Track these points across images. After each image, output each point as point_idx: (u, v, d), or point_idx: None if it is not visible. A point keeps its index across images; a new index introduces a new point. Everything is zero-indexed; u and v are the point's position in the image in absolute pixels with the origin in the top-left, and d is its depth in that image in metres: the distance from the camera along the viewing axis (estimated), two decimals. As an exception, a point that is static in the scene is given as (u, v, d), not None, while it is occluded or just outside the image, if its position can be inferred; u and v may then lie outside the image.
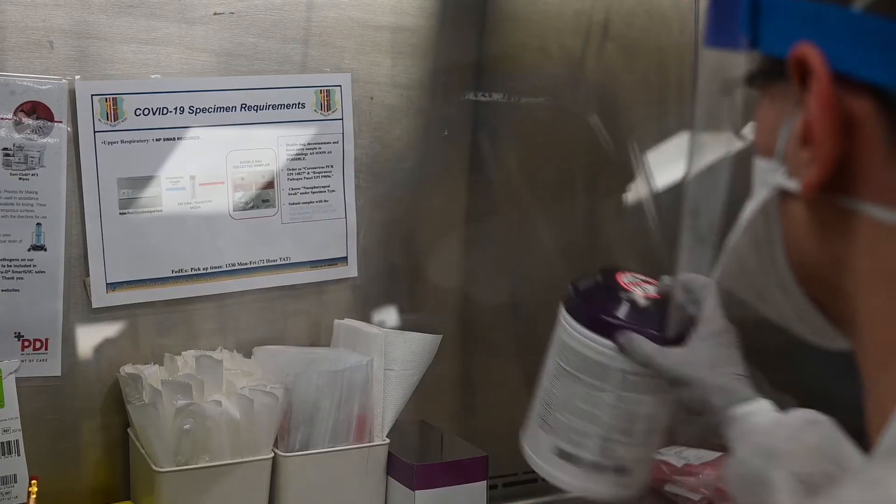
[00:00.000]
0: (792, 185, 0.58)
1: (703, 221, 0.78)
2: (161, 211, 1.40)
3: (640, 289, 1.11)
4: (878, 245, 0.55)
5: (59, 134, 1.33)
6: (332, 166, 1.49)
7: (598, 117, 1.65)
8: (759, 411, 0.98)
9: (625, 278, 1.12)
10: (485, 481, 1.40)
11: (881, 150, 0.54)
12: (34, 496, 1.28)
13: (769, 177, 0.60)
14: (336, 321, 1.49)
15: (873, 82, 0.53)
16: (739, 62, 0.63)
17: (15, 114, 1.31)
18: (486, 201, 1.60)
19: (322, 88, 1.47)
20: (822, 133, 0.55)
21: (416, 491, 1.36)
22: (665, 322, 1.06)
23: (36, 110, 1.32)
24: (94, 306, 1.37)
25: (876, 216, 0.54)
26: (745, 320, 0.93)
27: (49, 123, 1.33)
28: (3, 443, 1.30)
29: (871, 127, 0.54)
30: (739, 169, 0.69)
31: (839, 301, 0.58)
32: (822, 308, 0.61)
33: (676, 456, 1.46)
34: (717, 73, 0.68)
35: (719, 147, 0.74)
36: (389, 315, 1.54)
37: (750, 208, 0.62)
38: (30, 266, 1.33)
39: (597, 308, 1.09)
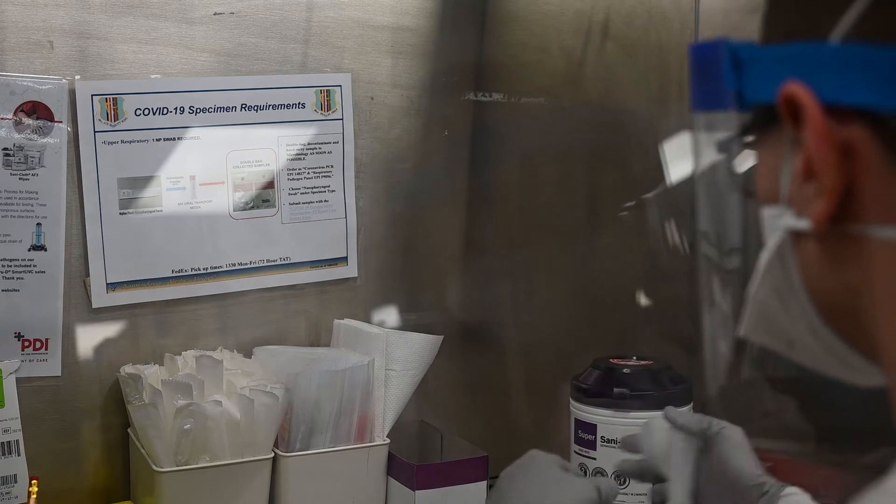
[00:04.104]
0: (802, 223, 0.58)
1: (724, 280, 0.78)
2: (161, 211, 1.40)
3: None
4: (894, 265, 0.55)
5: (59, 134, 1.33)
6: (332, 166, 1.49)
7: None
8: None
9: None
10: (485, 481, 1.40)
11: (881, 171, 0.55)
12: (34, 496, 1.28)
13: (778, 221, 0.61)
14: (336, 321, 1.49)
15: (861, 106, 0.54)
16: (731, 121, 0.64)
17: (15, 114, 1.31)
18: (486, 201, 1.60)
19: (322, 88, 1.47)
20: (823, 163, 0.55)
21: (416, 491, 1.36)
22: None
23: (36, 110, 1.32)
24: (94, 306, 1.37)
25: (888, 237, 0.55)
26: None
27: (49, 123, 1.33)
28: (3, 443, 1.30)
29: (868, 151, 0.55)
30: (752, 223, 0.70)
31: (867, 332, 0.58)
32: (854, 343, 0.61)
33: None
34: (711, 135, 0.69)
35: (729, 208, 0.74)
36: (389, 315, 1.54)
37: (764, 257, 0.62)
38: (30, 266, 1.33)
39: None
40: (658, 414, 1.14)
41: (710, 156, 0.69)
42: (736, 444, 1.06)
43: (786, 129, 0.58)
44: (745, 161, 0.67)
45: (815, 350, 0.63)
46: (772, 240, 0.61)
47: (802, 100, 0.56)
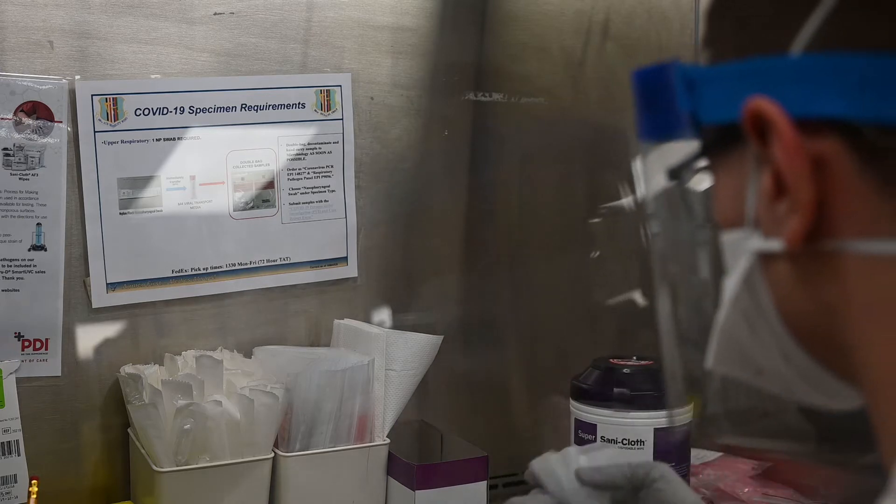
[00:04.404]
0: (773, 244, 0.56)
1: (688, 314, 0.73)
2: (161, 211, 1.40)
3: None
4: (871, 278, 0.54)
5: (59, 134, 1.33)
6: (332, 166, 1.49)
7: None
8: None
9: None
10: (485, 481, 1.40)
11: (856, 183, 0.53)
12: (34, 496, 1.28)
13: (745, 245, 0.58)
14: (336, 321, 1.49)
15: (833, 117, 0.53)
16: (683, 147, 0.62)
17: (15, 114, 1.31)
18: (486, 201, 1.60)
19: (322, 88, 1.47)
20: (796, 178, 0.54)
21: (416, 491, 1.36)
22: None
23: (36, 110, 1.32)
24: (94, 306, 1.37)
25: (864, 250, 0.53)
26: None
27: (49, 123, 1.33)
28: (3, 443, 1.30)
29: (840, 162, 0.53)
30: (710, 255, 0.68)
31: (843, 350, 0.56)
32: (828, 364, 0.59)
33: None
34: (663, 163, 0.66)
35: (687, 238, 0.71)
36: (389, 315, 1.54)
37: (731, 284, 0.60)
38: (30, 266, 1.33)
39: None
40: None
41: (661, 184, 0.67)
42: (675, 482, 1.03)
43: (749, 148, 0.56)
44: (700, 186, 0.65)
45: (787, 376, 0.61)
46: (738, 264, 0.59)
47: (770, 114, 0.54)
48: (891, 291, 0.53)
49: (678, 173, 0.64)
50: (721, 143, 0.59)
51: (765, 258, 0.58)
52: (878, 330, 0.54)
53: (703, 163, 0.62)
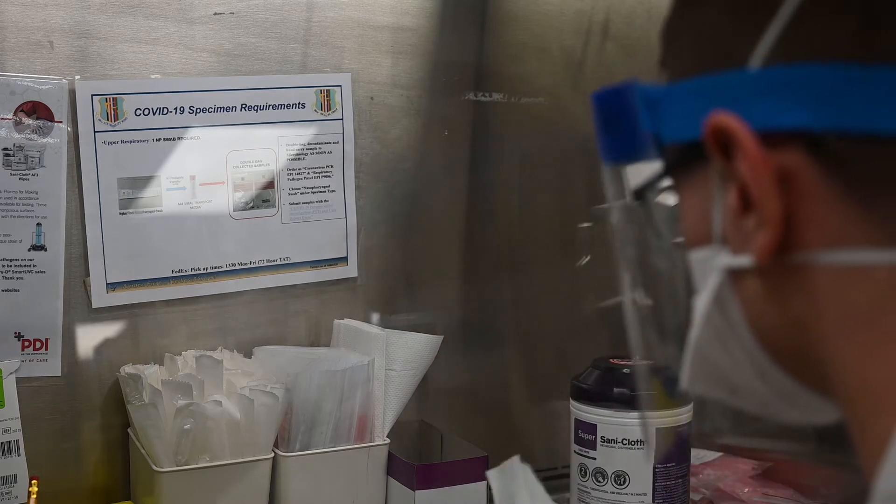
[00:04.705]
0: (743, 259, 0.56)
1: (660, 334, 0.72)
2: (161, 211, 1.40)
3: None
4: (841, 289, 0.53)
5: (59, 134, 1.33)
6: (332, 166, 1.49)
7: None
8: None
9: None
10: (485, 481, 1.40)
11: (821, 194, 0.53)
12: (34, 496, 1.28)
13: (714, 262, 0.58)
14: (336, 321, 1.49)
15: (794, 128, 0.52)
16: (646, 167, 0.62)
17: (15, 114, 1.31)
18: (486, 202, 1.60)
19: (322, 88, 1.47)
20: (762, 193, 0.53)
21: (416, 491, 1.36)
22: None
23: (36, 110, 1.32)
24: (94, 306, 1.37)
25: (832, 261, 0.53)
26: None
27: (49, 123, 1.33)
28: (3, 443, 1.30)
29: (805, 174, 0.53)
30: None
31: (817, 363, 0.56)
32: (803, 379, 0.59)
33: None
34: (625, 184, 0.66)
35: (660, 257, 0.71)
36: (389, 315, 1.54)
37: (702, 303, 0.60)
38: (30, 266, 1.33)
39: None
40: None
41: (626, 205, 0.66)
42: None
43: (713, 164, 0.56)
44: (666, 205, 0.64)
45: (762, 393, 0.60)
46: (708, 283, 0.59)
47: (733, 129, 0.53)
48: (860, 302, 0.53)
49: (642, 194, 0.64)
50: (685, 161, 0.59)
51: (734, 275, 0.57)
52: (849, 341, 0.53)
53: (667, 182, 0.61)
